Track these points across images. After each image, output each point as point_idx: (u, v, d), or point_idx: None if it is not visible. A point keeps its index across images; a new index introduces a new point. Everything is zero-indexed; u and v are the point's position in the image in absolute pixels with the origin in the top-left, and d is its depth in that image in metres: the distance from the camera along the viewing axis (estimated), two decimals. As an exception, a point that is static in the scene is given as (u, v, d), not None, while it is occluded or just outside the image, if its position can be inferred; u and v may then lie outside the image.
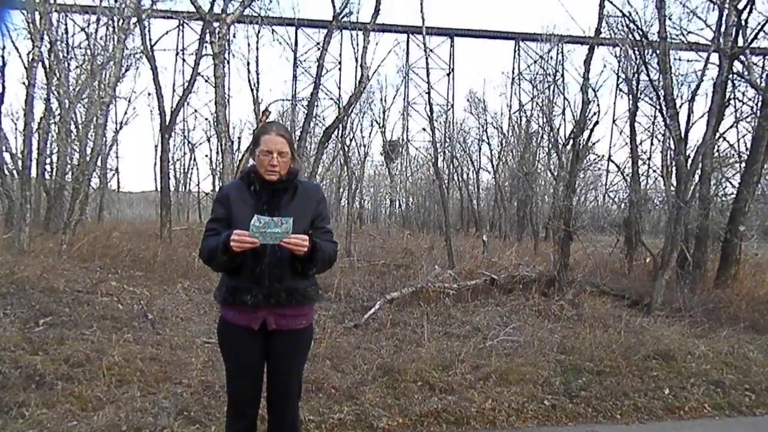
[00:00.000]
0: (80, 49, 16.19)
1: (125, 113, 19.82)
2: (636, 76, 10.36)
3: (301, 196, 2.40)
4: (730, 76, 8.83)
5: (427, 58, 12.03)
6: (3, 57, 12.77)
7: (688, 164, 8.22)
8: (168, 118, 13.59)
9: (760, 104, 9.56)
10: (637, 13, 13.37)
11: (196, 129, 35.89)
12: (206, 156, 32.91)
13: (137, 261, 8.65)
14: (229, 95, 17.91)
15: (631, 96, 10.97)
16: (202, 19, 10.92)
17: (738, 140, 14.74)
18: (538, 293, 7.47)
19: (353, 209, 18.09)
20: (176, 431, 3.23)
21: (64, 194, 13.11)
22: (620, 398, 4.13)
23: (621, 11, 9.12)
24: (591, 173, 18.51)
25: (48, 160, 14.61)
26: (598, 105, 9.34)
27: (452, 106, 28.45)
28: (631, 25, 8.90)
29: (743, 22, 8.39)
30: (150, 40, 14.25)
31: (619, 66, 11.46)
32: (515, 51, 28.62)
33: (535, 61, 27.18)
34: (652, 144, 22.66)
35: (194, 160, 26.19)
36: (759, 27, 8.22)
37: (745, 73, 9.21)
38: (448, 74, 29.23)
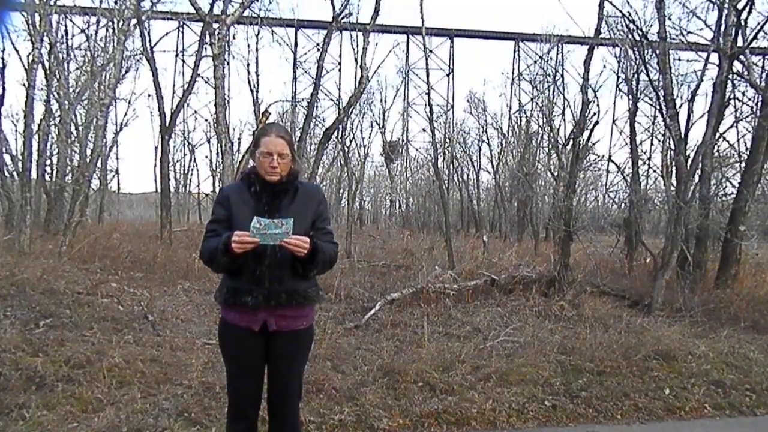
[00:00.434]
0: (80, 51, 16.21)
1: (125, 115, 19.83)
2: (636, 76, 10.36)
3: (301, 197, 2.40)
4: (730, 75, 8.84)
5: (426, 59, 12.06)
6: (3, 58, 12.74)
7: (688, 164, 8.22)
8: (168, 119, 13.57)
9: (759, 104, 9.57)
10: (636, 13, 13.37)
11: (196, 130, 35.86)
12: (206, 157, 32.85)
13: (137, 262, 8.64)
14: (228, 96, 17.93)
15: (630, 96, 10.97)
16: (202, 21, 10.92)
17: (738, 140, 14.73)
18: (538, 294, 7.47)
19: (353, 210, 18.09)
20: (177, 432, 3.23)
21: (65, 196, 13.10)
22: (621, 398, 4.13)
23: (621, 11, 9.13)
24: (591, 173, 18.47)
25: (48, 162, 14.60)
26: (597, 105, 9.37)
27: (452, 106, 28.49)
28: (631, 26, 8.91)
29: (743, 22, 8.40)
30: (150, 41, 14.24)
31: (619, 66, 11.47)
32: (515, 51, 28.63)
33: (535, 62, 27.17)
34: (652, 144, 22.71)
35: (194, 161, 26.29)
36: (758, 27, 8.23)
37: (745, 72, 9.22)
38: (448, 75, 29.23)
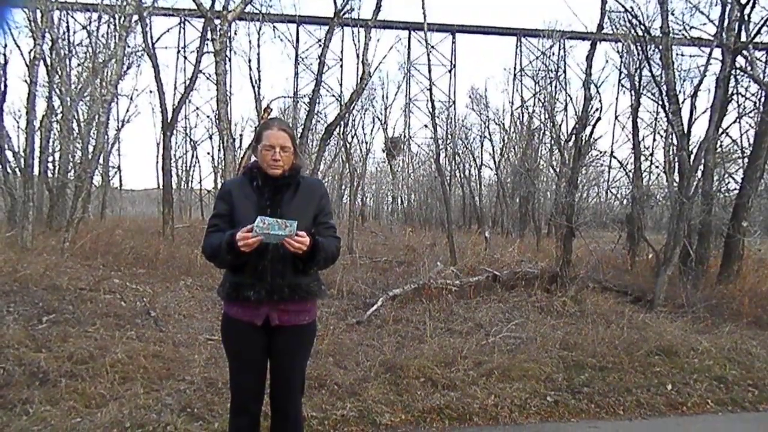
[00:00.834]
0: (82, 47, 16.21)
1: (127, 111, 20.08)
2: (638, 71, 10.35)
3: (303, 191, 2.39)
4: (733, 71, 8.78)
5: (428, 55, 12.04)
6: (5, 55, 12.83)
7: (691, 160, 8.20)
8: (170, 115, 13.56)
9: (763, 99, 9.51)
10: (639, 8, 13.36)
11: (197, 126, 36.02)
12: (208, 153, 32.97)
13: (140, 258, 8.66)
14: (230, 92, 17.98)
15: (633, 92, 10.96)
16: (204, 17, 10.88)
17: (741, 136, 14.74)
18: (540, 289, 7.46)
19: (355, 206, 18.09)
20: (179, 428, 3.23)
21: (67, 192, 13.13)
22: (623, 394, 4.13)
23: (623, 6, 9.08)
24: (593, 169, 18.51)
25: (50, 158, 14.61)
26: (600, 101, 9.30)
27: (454, 102, 28.48)
28: (634, 21, 8.88)
29: (746, 17, 8.35)
30: (151, 37, 14.21)
31: (622, 62, 11.45)
32: (517, 47, 28.54)
33: (537, 57, 27.10)
34: (654, 140, 22.66)
35: (196, 157, 26.27)
36: (762, 22, 8.16)
37: (748, 68, 9.17)
38: (450, 71, 29.18)
